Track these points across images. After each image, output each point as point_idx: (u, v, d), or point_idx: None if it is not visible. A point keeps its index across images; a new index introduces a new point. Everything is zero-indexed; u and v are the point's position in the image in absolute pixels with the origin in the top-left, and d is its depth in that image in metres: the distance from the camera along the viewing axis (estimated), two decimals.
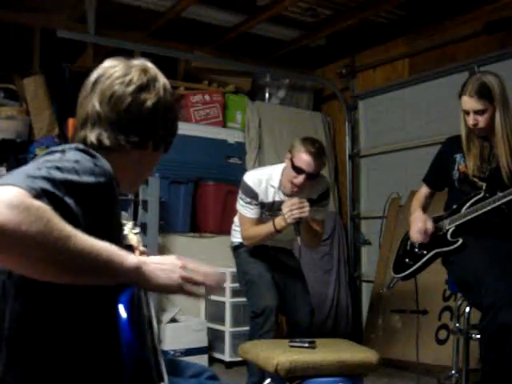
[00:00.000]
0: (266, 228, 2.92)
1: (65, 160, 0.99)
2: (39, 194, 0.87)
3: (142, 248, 1.53)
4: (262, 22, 4.45)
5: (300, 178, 2.78)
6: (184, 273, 1.06)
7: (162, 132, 1.27)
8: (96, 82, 1.22)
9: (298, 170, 2.78)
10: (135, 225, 1.75)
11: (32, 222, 0.81)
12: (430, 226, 2.54)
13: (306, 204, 2.75)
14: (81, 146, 1.08)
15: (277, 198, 2.95)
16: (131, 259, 0.98)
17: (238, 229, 3.13)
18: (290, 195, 2.87)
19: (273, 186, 2.94)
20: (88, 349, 0.99)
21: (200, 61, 4.77)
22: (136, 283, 0.99)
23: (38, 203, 0.84)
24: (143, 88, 1.21)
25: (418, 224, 2.56)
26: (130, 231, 1.65)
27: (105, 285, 0.95)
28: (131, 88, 1.20)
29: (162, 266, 1.04)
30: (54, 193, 0.89)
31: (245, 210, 2.97)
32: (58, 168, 0.95)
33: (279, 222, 2.85)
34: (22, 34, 4.18)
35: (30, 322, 0.98)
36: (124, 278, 0.96)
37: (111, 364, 0.97)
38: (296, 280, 3.13)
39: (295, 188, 2.83)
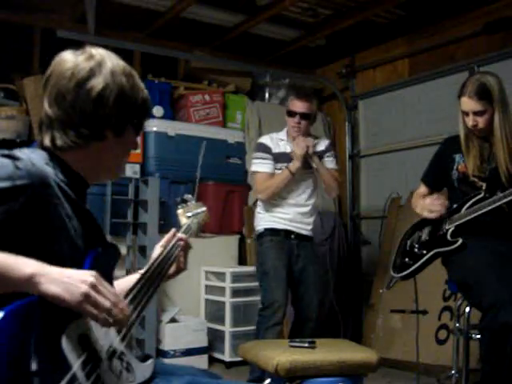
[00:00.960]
0: (282, 175, 3.18)
1: None
2: None
3: (179, 234, 1.49)
4: (262, 22, 4.45)
5: (296, 119, 3.20)
6: (91, 292, 0.98)
7: (119, 117, 1.22)
8: (46, 83, 1.21)
9: (291, 113, 3.23)
10: (189, 209, 1.70)
11: None
12: (435, 196, 2.55)
13: (309, 138, 3.22)
14: (6, 152, 1.06)
15: (287, 150, 3.25)
16: (26, 268, 0.95)
17: (261, 215, 3.29)
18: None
19: (282, 139, 3.30)
20: None
21: (200, 61, 4.77)
22: (31, 292, 0.96)
23: None
24: (87, 78, 1.18)
25: (426, 202, 2.57)
26: (184, 215, 1.65)
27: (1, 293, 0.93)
28: (74, 81, 1.17)
29: (65, 278, 0.98)
30: None
31: (260, 166, 3.23)
32: None
33: (292, 165, 3.15)
34: (22, 34, 4.19)
35: None
36: (16, 287, 0.94)
37: None
38: (311, 274, 3.25)
39: (296, 129, 3.21)
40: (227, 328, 3.92)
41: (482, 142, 2.46)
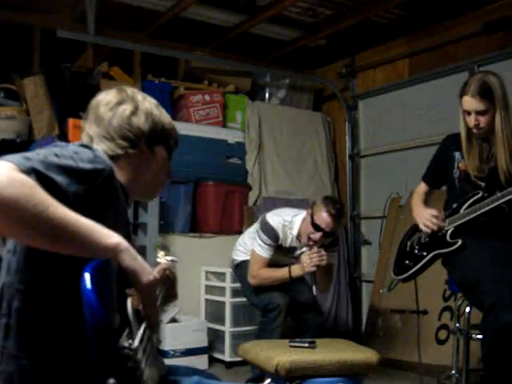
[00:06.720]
0: (281, 273, 3.07)
1: (65, 150, 1.11)
2: (28, 171, 0.97)
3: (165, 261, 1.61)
4: (262, 22, 4.45)
5: (317, 235, 2.95)
6: (153, 282, 1.11)
7: (150, 133, 1.37)
8: (87, 114, 1.39)
9: (316, 227, 2.94)
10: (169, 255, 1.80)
11: (15, 188, 0.92)
12: (435, 212, 2.52)
13: (324, 253, 2.93)
14: (84, 143, 1.21)
15: (293, 244, 3.15)
16: (112, 238, 1.06)
17: (242, 249, 3.32)
18: (306, 246, 3.03)
19: (292, 234, 3.11)
20: (66, 316, 1.07)
21: (200, 61, 4.77)
22: (113, 259, 1.06)
23: (23, 176, 0.95)
24: (120, 103, 1.36)
25: (424, 214, 2.54)
26: (163, 257, 1.73)
27: (84, 257, 1.02)
28: (109, 106, 1.35)
29: (140, 262, 1.10)
30: (43, 172, 0.99)
31: (262, 250, 3.10)
32: (55, 155, 1.06)
33: (295, 270, 3.01)
34: (22, 34, 4.18)
35: (24, 293, 1.07)
36: (103, 252, 1.03)
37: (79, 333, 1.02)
38: (304, 282, 3.25)
39: (311, 242, 2.98)
40: (227, 328, 3.92)
41: (482, 142, 2.46)
